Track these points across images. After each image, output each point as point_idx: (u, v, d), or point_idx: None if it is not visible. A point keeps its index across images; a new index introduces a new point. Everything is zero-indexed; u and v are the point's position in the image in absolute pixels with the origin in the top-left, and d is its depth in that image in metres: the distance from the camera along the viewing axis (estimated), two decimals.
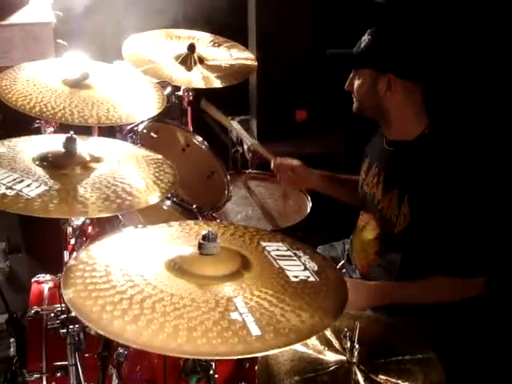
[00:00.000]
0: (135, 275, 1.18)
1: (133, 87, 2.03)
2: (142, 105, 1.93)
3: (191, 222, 1.47)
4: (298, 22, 3.14)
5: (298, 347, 1.48)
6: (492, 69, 2.61)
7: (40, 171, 1.47)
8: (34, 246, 2.94)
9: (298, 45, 3.14)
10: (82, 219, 1.95)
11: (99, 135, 2.26)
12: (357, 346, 1.42)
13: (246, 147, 3.41)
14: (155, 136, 2.19)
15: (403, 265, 1.92)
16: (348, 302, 1.74)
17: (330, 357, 1.46)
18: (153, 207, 1.49)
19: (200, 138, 2.35)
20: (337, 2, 3.16)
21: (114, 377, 1.75)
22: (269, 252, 1.34)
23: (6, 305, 2.40)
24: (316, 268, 1.30)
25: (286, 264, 1.30)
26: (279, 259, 1.31)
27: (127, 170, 1.55)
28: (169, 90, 2.32)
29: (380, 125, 2.02)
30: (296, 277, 1.25)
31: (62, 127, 2.12)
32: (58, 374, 1.93)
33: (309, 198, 2.40)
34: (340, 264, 2.22)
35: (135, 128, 2.11)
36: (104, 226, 2.05)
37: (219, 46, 2.56)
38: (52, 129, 2.28)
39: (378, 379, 1.41)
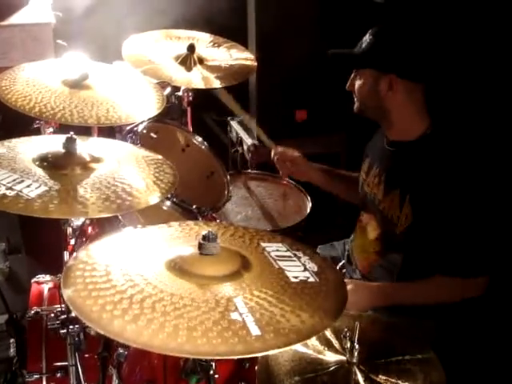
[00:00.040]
0: (135, 275, 1.18)
1: (132, 88, 2.03)
2: (141, 105, 1.93)
3: (191, 223, 1.47)
4: (297, 22, 3.14)
5: (298, 347, 1.48)
6: (493, 69, 2.61)
7: (40, 172, 1.47)
8: (33, 247, 2.94)
9: (297, 45, 3.14)
10: (81, 219, 1.95)
11: (99, 136, 2.26)
12: (357, 346, 1.42)
13: (245, 147, 3.41)
14: (155, 136, 2.19)
15: (404, 265, 1.92)
16: (350, 303, 1.74)
17: (330, 357, 1.46)
18: (153, 207, 1.49)
19: (200, 139, 2.35)
20: (336, 2, 3.16)
21: (114, 377, 1.75)
22: (269, 253, 1.34)
23: (5, 305, 2.40)
24: (316, 269, 1.30)
25: (286, 264, 1.30)
26: (279, 260, 1.31)
27: (127, 170, 1.55)
28: (168, 90, 2.32)
29: (381, 125, 2.02)
30: (296, 277, 1.25)
31: (62, 128, 2.12)
32: (58, 375, 1.93)
33: (309, 198, 2.40)
34: (340, 264, 2.22)
35: (135, 128, 2.11)
36: (104, 227, 2.05)
37: (219, 46, 2.56)
38: (52, 129, 2.28)
39: (378, 379, 1.41)
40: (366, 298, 1.86)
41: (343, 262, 2.23)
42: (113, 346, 1.80)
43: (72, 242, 2.01)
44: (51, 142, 1.61)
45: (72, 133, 1.54)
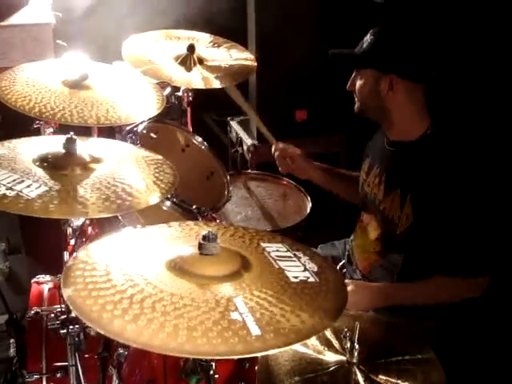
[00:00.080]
0: (135, 275, 1.18)
1: (132, 88, 2.03)
2: (141, 105, 1.94)
3: (191, 223, 1.47)
4: (297, 23, 3.14)
5: (298, 347, 1.48)
6: (494, 69, 2.61)
7: (40, 172, 1.47)
8: (33, 247, 2.94)
9: (297, 45, 3.14)
10: (81, 220, 1.95)
11: (99, 136, 2.26)
12: (357, 347, 1.42)
13: (245, 147, 3.41)
14: (155, 136, 2.19)
15: (405, 265, 1.92)
16: (350, 303, 1.74)
17: (330, 357, 1.46)
18: (153, 208, 1.49)
19: (200, 139, 2.34)
20: (336, 2, 3.16)
21: (114, 377, 1.75)
22: (269, 253, 1.34)
23: (5, 305, 2.40)
24: (316, 269, 1.30)
25: (286, 265, 1.30)
26: (279, 260, 1.31)
27: (127, 170, 1.56)
28: (168, 90, 2.32)
29: (381, 125, 2.02)
30: (296, 277, 1.25)
31: (62, 128, 2.12)
32: (58, 375, 1.93)
33: (308, 198, 2.40)
34: (341, 264, 2.22)
35: (135, 128, 2.11)
36: (104, 227, 2.05)
37: (219, 46, 2.56)
38: (51, 129, 2.28)
39: (378, 379, 1.41)
40: (367, 299, 1.86)
41: (344, 261, 2.23)
42: (113, 346, 1.80)
43: (72, 242, 2.01)
44: (51, 143, 1.61)
45: (72, 133, 1.54)
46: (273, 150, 2.36)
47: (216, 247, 1.22)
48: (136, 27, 2.61)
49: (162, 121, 2.27)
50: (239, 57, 2.52)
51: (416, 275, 1.88)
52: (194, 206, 2.02)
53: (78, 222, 1.95)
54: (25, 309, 2.11)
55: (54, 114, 1.73)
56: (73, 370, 1.83)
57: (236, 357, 1.04)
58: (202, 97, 2.51)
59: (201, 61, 2.41)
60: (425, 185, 1.82)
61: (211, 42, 2.58)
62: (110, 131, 2.23)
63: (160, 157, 1.68)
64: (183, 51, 2.41)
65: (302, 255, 1.35)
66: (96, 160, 1.55)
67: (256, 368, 1.58)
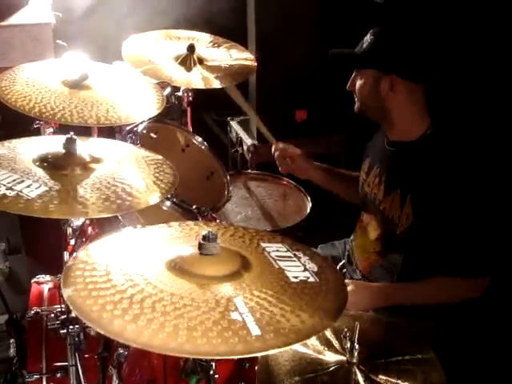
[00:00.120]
0: (135, 275, 1.18)
1: (132, 88, 2.03)
2: (141, 105, 1.94)
3: (191, 223, 1.47)
4: (297, 23, 3.14)
5: (298, 347, 1.48)
6: (494, 69, 2.61)
7: (40, 172, 1.47)
8: (33, 247, 2.94)
9: (297, 45, 3.14)
10: (81, 220, 1.95)
11: (99, 136, 2.26)
12: (357, 347, 1.42)
13: (245, 147, 3.41)
14: (155, 136, 2.19)
15: (405, 265, 1.92)
16: (350, 303, 1.74)
17: (330, 357, 1.46)
18: (153, 208, 1.49)
19: (200, 139, 2.34)
20: (336, 2, 3.16)
21: (114, 377, 1.75)
22: (269, 253, 1.34)
23: (5, 305, 2.40)
24: (316, 269, 1.30)
25: (286, 265, 1.30)
26: (279, 260, 1.31)
27: (127, 170, 1.56)
28: (168, 90, 2.32)
29: (381, 125, 2.02)
30: (296, 277, 1.25)
31: (62, 128, 2.12)
32: (58, 375, 1.93)
33: (308, 198, 2.40)
34: (341, 264, 2.22)
35: (135, 128, 2.11)
36: (104, 227, 2.05)
37: (219, 46, 2.56)
38: (51, 129, 2.28)
39: (378, 379, 1.41)
40: (367, 299, 1.86)
41: (344, 261, 2.23)
42: (113, 346, 1.80)
43: (72, 242, 2.01)
44: (51, 143, 1.61)
45: (72, 133, 1.54)
46: (273, 149, 2.36)
47: (216, 247, 1.22)
48: (136, 27, 2.61)
49: (162, 121, 2.27)
50: (239, 57, 2.52)
51: (416, 275, 1.88)
52: (194, 206, 2.02)
53: (77, 222, 1.95)
54: (25, 309, 2.11)
55: (53, 114, 1.73)
56: (73, 370, 1.83)
57: (236, 357, 1.04)
58: (202, 97, 2.51)
59: (201, 61, 2.41)
60: (425, 185, 1.82)
61: (211, 42, 2.58)
62: (110, 131, 2.23)
63: (160, 157, 1.68)
64: (183, 51, 2.41)
65: (301, 255, 1.35)
66: (96, 160, 1.55)
67: (256, 368, 1.58)
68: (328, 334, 1.51)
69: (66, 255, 2.06)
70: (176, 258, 1.24)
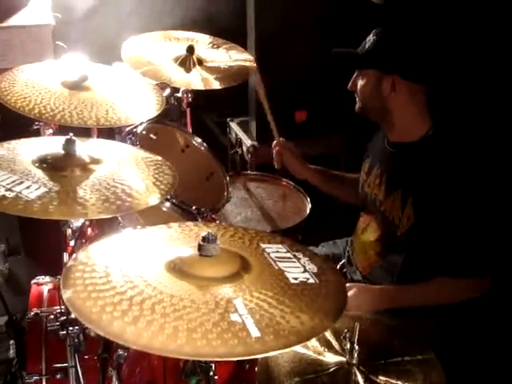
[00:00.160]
0: (135, 276, 1.18)
1: (132, 89, 2.03)
2: (141, 106, 1.93)
3: (191, 224, 1.47)
4: (297, 24, 3.14)
5: (298, 349, 1.48)
6: (496, 70, 2.61)
7: (39, 173, 1.47)
8: (33, 248, 2.93)
9: (297, 46, 3.14)
10: (81, 221, 1.94)
11: (98, 137, 2.26)
12: (357, 347, 1.42)
13: (245, 148, 3.41)
14: (154, 137, 2.19)
15: (405, 266, 1.92)
16: (353, 306, 1.76)
17: (330, 358, 1.46)
18: (152, 209, 1.49)
19: (199, 140, 2.34)
20: (336, 3, 3.16)
21: (114, 379, 1.75)
22: (268, 254, 1.34)
23: (5, 307, 2.40)
24: (316, 270, 1.30)
25: (286, 266, 1.30)
26: (279, 261, 1.31)
27: (126, 171, 1.55)
28: (168, 91, 2.32)
29: (381, 126, 2.02)
30: (296, 278, 1.25)
31: (61, 129, 2.12)
32: (58, 376, 1.93)
33: (308, 199, 2.40)
34: (341, 263, 2.22)
35: (134, 129, 2.11)
36: (103, 228, 2.04)
37: (218, 47, 2.56)
38: (51, 130, 2.28)
39: (378, 380, 1.41)
40: (369, 302, 1.86)
41: (343, 261, 2.23)
42: (112, 348, 1.80)
43: (71, 243, 2.00)
44: (51, 144, 1.61)
45: (71, 134, 1.54)
46: (273, 144, 2.36)
47: (216, 248, 1.22)
48: (136, 28, 2.61)
49: (162, 122, 2.27)
50: (239, 58, 2.52)
51: (416, 276, 1.88)
52: (193, 207, 2.02)
53: (77, 223, 1.94)
54: (24, 310, 2.11)
55: (53, 115, 1.73)
56: (72, 372, 1.83)
57: (236, 358, 1.04)
58: (201, 98, 2.51)
59: (200, 62, 2.41)
60: (426, 186, 1.82)
61: (210, 43, 2.57)
62: (110, 132, 2.23)
63: (159, 158, 1.68)
64: (183, 52, 2.41)
65: (301, 256, 1.35)
66: (95, 161, 1.55)
67: (256, 369, 1.58)
68: (328, 335, 1.51)
69: (65, 256, 2.06)
70: (175, 259, 1.24)
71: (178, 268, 1.21)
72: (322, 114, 3.35)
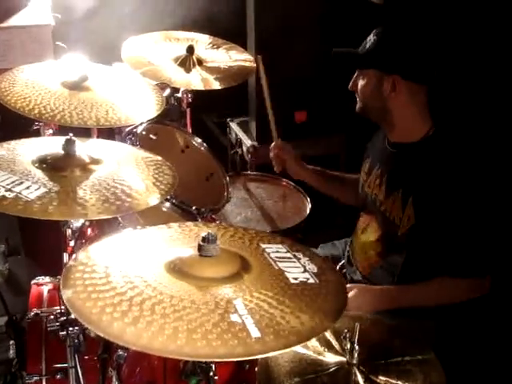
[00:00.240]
0: (135, 277, 1.18)
1: (132, 89, 2.03)
2: (140, 107, 1.93)
3: (190, 224, 1.47)
4: (297, 24, 3.14)
5: (298, 349, 1.48)
6: (496, 71, 2.61)
7: (39, 173, 1.47)
8: (33, 248, 2.94)
9: (297, 46, 3.14)
10: (81, 221, 1.94)
11: (98, 137, 2.26)
12: (357, 347, 1.42)
13: (245, 149, 3.41)
14: (154, 138, 2.19)
15: (405, 267, 1.92)
16: (354, 307, 1.75)
17: (330, 358, 1.46)
18: (152, 209, 1.49)
19: (199, 140, 2.34)
20: (336, 3, 3.16)
21: (114, 379, 1.75)
22: (268, 254, 1.34)
23: (5, 307, 2.40)
24: (316, 270, 1.30)
25: (286, 266, 1.30)
26: (279, 261, 1.31)
27: (126, 171, 1.55)
28: (168, 91, 2.32)
29: (382, 126, 2.02)
30: (296, 279, 1.25)
31: (61, 129, 2.12)
32: (58, 376, 1.93)
33: (308, 199, 2.40)
34: (340, 263, 2.22)
35: (134, 130, 2.11)
36: (103, 228, 2.04)
37: (218, 47, 2.56)
38: (51, 131, 2.28)
39: (378, 380, 1.41)
40: (370, 302, 1.86)
41: (343, 261, 2.23)
42: (112, 348, 1.80)
43: (71, 243, 2.00)
44: (50, 144, 1.61)
45: (71, 134, 1.54)
46: (271, 146, 2.36)
47: (215, 249, 1.22)
48: (136, 29, 2.61)
49: (162, 122, 2.27)
50: (238, 58, 2.52)
51: (416, 276, 1.88)
52: (193, 207, 2.01)
53: (77, 223, 1.94)
54: (24, 310, 2.11)
55: (53, 115, 1.73)
56: (72, 372, 1.83)
57: (236, 359, 1.04)
58: (201, 98, 2.51)
59: (200, 62, 2.42)
60: (427, 186, 1.82)
61: (210, 43, 2.58)
62: (110, 132, 2.23)
63: (159, 158, 1.68)
64: (182, 52, 2.41)
65: (301, 256, 1.35)
66: (95, 161, 1.55)
67: (256, 369, 1.58)
68: (328, 335, 1.51)
69: (65, 257, 2.06)
70: (175, 259, 1.24)
71: (177, 268, 1.21)
72: (321, 115, 3.35)
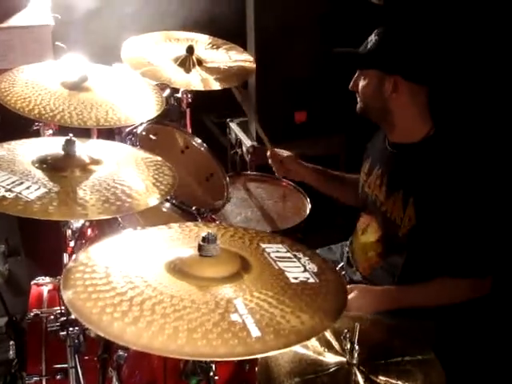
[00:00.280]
0: (135, 277, 1.18)
1: (132, 89, 2.03)
2: (140, 107, 1.93)
3: (191, 224, 1.47)
4: (297, 24, 3.14)
5: (298, 349, 1.48)
6: (497, 71, 2.61)
7: (39, 174, 1.47)
8: (33, 249, 2.93)
9: (296, 46, 3.14)
10: (81, 221, 1.94)
11: (98, 137, 2.26)
12: (357, 348, 1.42)
13: (244, 149, 3.42)
14: (154, 138, 2.19)
15: (405, 267, 1.92)
16: (355, 308, 1.75)
17: (330, 358, 1.46)
18: (152, 209, 1.49)
19: (199, 140, 2.34)
20: (336, 3, 3.16)
21: (114, 379, 1.75)
22: (268, 253, 1.34)
23: (5, 308, 2.40)
24: (316, 269, 1.30)
25: (286, 265, 1.30)
26: (279, 261, 1.31)
27: (126, 172, 1.55)
28: (167, 92, 2.32)
29: (382, 127, 2.02)
30: (296, 278, 1.25)
31: (61, 130, 2.12)
32: (58, 377, 1.92)
33: (308, 199, 2.40)
34: (339, 266, 2.22)
35: (134, 130, 2.11)
36: (103, 229, 2.04)
37: (218, 48, 2.56)
38: (51, 131, 2.27)
39: (378, 380, 1.41)
40: (371, 303, 1.86)
41: (342, 264, 2.23)
42: (113, 348, 1.80)
43: (71, 244, 2.00)
44: (50, 144, 1.61)
45: (71, 135, 1.54)
46: (268, 154, 2.37)
47: (216, 248, 1.22)
48: (136, 29, 2.61)
49: (162, 122, 2.27)
50: (238, 58, 2.52)
51: (417, 277, 1.88)
52: (193, 208, 2.02)
53: (77, 223, 1.94)
54: (24, 311, 2.11)
55: (53, 115, 1.73)
56: (72, 372, 1.83)
57: (236, 358, 1.04)
58: (201, 98, 2.51)
59: (200, 62, 2.42)
60: (428, 187, 1.82)
61: (210, 43, 2.58)
62: (110, 133, 2.23)
63: (159, 158, 1.68)
64: (182, 53, 2.41)
65: (301, 256, 1.35)
66: (95, 162, 1.55)
67: (256, 369, 1.58)
68: (328, 335, 1.51)
69: (65, 257, 2.06)
70: (175, 259, 1.24)
71: (178, 268, 1.21)
72: (321, 115, 3.35)
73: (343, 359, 1.45)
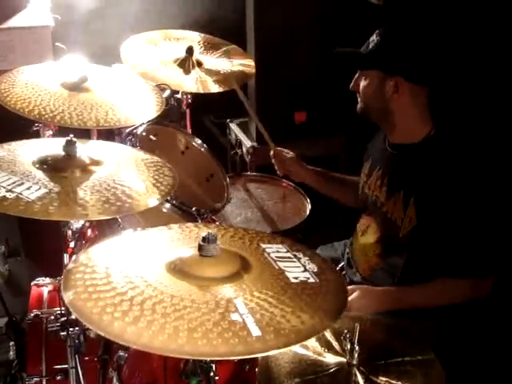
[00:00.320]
0: (135, 277, 1.18)
1: (131, 90, 2.03)
2: (140, 108, 1.94)
3: (191, 225, 1.47)
4: (296, 25, 3.14)
5: (298, 349, 1.48)
6: (497, 72, 2.61)
7: (40, 174, 1.47)
8: (33, 249, 2.94)
9: (296, 47, 3.14)
10: (81, 222, 1.95)
11: (98, 138, 2.26)
12: (357, 348, 1.42)
13: (244, 149, 3.42)
14: (154, 139, 2.19)
15: (406, 268, 1.92)
16: (356, 308, 1.75)
17: (330, 359, 1.46)
18: (152, 210, 1.49)
19: (199, 141, 2.34)
20: (335, 4, 3.17)
21: (115, 380, 1.75)
22: (269, 254, 1.34)
23: (5, 308, 2.40)
24: (316, 269, 1.31)
25: (286, 265, 1.30)
26: (279, 261, 1.31)
27: (127, 172, 1.56)
28: (167, 92, 2.32)
29: (382, 127, 2.01)
30: (296, 278, 1.25)
31: (61, 130, 2.12)
32: (58, 377, 1.92)
33: (308, 200, 2.40)
34: (340, 265, 2.22)
35: (134, 131, 2.11)
36: (104, 229, 2.04)
37: (218, 48, 2.56)
38: (51, 132, 2.28)
39: (378, 381, 1.41)
40: (372, 303, 1.85)
41: (343, 263, 2.23)
42: (113, 349, 1.80)
43: (72, 244, 2.01)
44: (51, 145, 1.61)
45: (71, 135, 1.54)
46: (271, 153, 2.37)
47: (216, 248, 1.22)
48: (136, 30, 2.61)
49: (162, 123, 2.28)
50: (238, 59, 2.52)
51: (417, 277, 1.88)
52: (193, 208, 2.02)
53: (77, 224, 1.95)
54: (24, 311, 2.11)
55: (53, 116, 1.74)
56: (73, 373, 1.83)
57: (236, 357, 1.04)
58: (201, 99, 2.51)
59: (199, 63, 2.41)
60: (428, 187, 1.82)
61: (210, 43, 2.57)
62: (110, 133, 2.24)
63: (159, 159, 1.68)
64: (182, 53, 2.41)
65: (302, 256, 1.35)
66: (96, 162, 1.56)
67: (256, 370, 1.58)
68: (328, 335, 1.51)
69: (65, 257, 2.06)
70: (176, 259, 1.24)
71: (178, 268, 1.21)
72: (321, 115, 3.35)
73: (343, 360, 1.45)
